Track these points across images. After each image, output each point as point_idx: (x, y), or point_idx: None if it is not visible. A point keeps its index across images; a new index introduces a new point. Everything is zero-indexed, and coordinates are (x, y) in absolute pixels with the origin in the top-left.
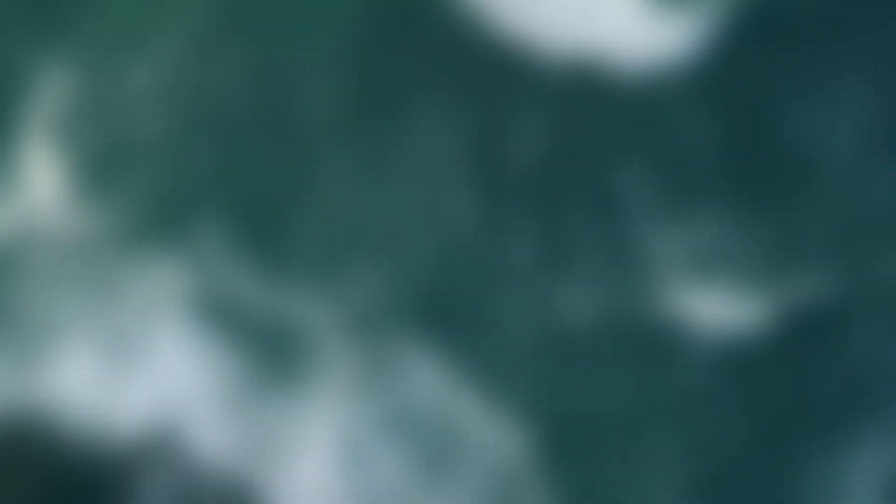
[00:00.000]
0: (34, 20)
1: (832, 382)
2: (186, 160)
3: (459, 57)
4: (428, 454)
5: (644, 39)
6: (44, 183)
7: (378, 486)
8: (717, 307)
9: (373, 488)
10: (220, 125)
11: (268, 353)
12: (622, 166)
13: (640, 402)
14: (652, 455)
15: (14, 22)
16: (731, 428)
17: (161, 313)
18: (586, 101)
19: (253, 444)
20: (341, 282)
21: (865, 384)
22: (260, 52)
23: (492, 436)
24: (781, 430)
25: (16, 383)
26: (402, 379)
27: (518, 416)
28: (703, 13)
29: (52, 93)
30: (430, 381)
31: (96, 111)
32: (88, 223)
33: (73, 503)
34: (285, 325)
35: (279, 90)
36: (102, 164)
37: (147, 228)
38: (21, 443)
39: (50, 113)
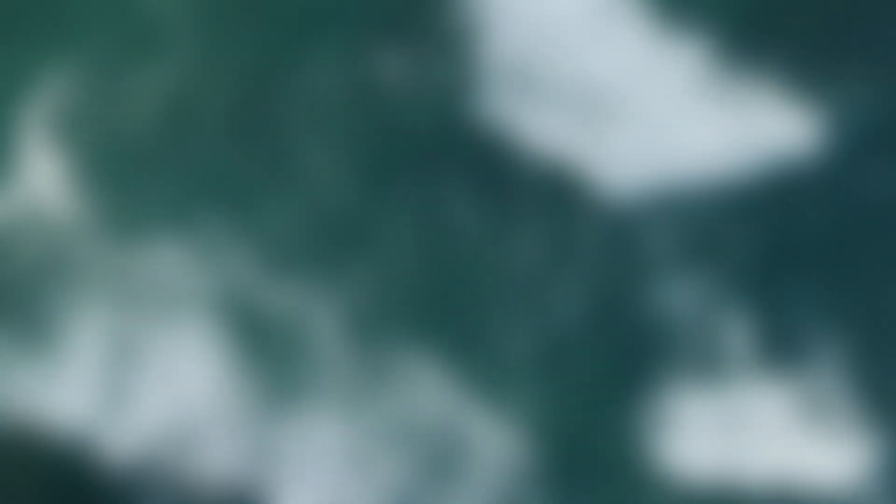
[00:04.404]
0: (37, 18)
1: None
2: (187, 158)
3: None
4: (430, 461)
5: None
6: (45, 179)
7: (380, 494)
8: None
9: (375, 495)
10: (223, 123)
11: (269, 359)
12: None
13: (639, 403)
14: (653, 459)
15: (17, 19)
16: None
17: (162, 311)
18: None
19: (255, 451)
20: (342, 288)
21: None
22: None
23: (493, 442)
24: None
25: (15, 382)
26: (403, 386)
27: (519, 423)
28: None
29: (54, 89)
30: (432, 388)
31: (98, 108)
32: (89, 219)
33: None
34: (286, 331)
35: (279, 91)
36: (104, 159)
37: (147, 226)
38: (21, 444)
39: (52, 109)
